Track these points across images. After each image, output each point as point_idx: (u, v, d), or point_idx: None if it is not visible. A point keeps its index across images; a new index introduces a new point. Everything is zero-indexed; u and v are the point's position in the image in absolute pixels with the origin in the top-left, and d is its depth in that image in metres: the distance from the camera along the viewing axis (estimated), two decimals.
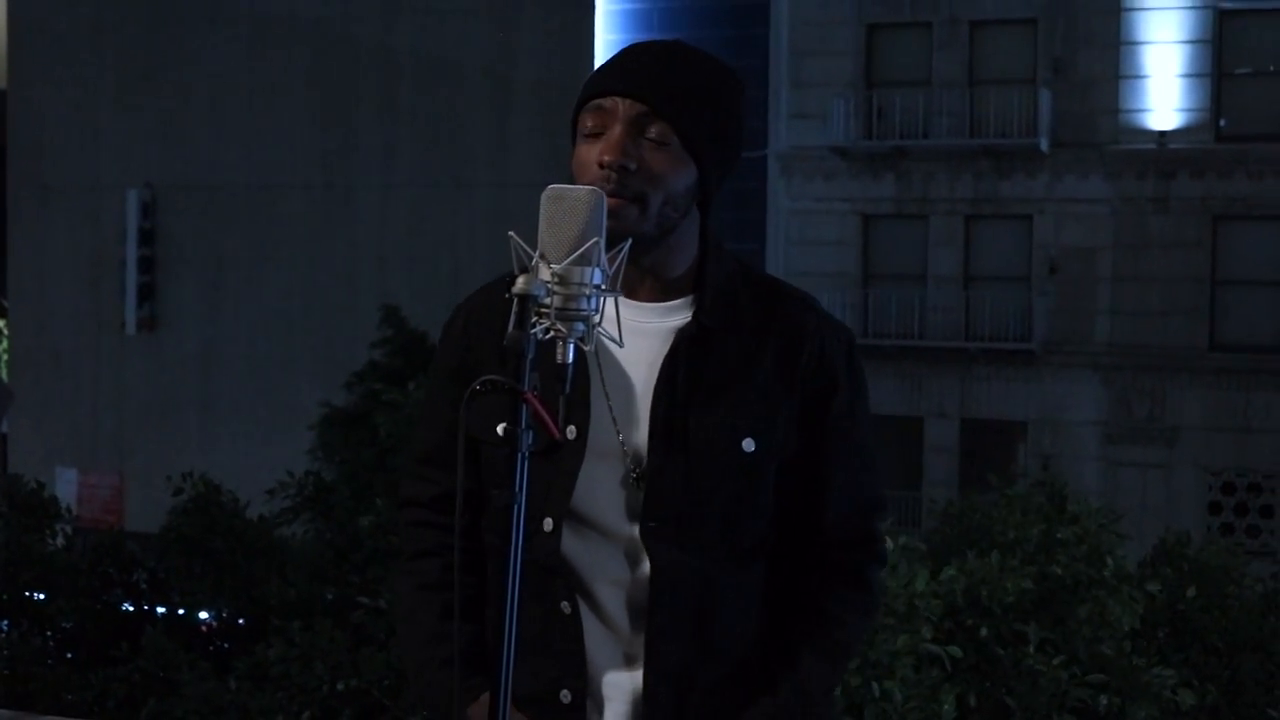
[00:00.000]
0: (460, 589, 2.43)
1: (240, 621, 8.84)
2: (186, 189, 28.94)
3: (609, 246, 2.16)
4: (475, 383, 2.07)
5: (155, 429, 28.93)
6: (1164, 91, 23.83)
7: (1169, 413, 23.86)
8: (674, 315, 2.42)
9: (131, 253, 29.22)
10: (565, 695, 2.42)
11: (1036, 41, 24.49)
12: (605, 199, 2.14)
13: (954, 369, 24.78)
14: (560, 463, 2.39)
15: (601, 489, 2.40)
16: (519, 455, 2.05)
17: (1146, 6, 23.91)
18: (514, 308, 2.05)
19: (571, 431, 2.37)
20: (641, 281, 2.42)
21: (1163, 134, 23.81)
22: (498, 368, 2.21)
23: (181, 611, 8.93)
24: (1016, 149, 24.29)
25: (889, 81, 25.34)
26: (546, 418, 2.08)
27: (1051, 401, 24.37)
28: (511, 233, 2.12)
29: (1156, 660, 7.57)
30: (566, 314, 2.08)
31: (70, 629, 8.71)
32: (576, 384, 2.31)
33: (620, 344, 2.26)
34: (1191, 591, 8.61)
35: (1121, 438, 24.02)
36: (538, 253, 2.10)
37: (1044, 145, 24.05)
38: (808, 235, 25.38)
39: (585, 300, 2.08)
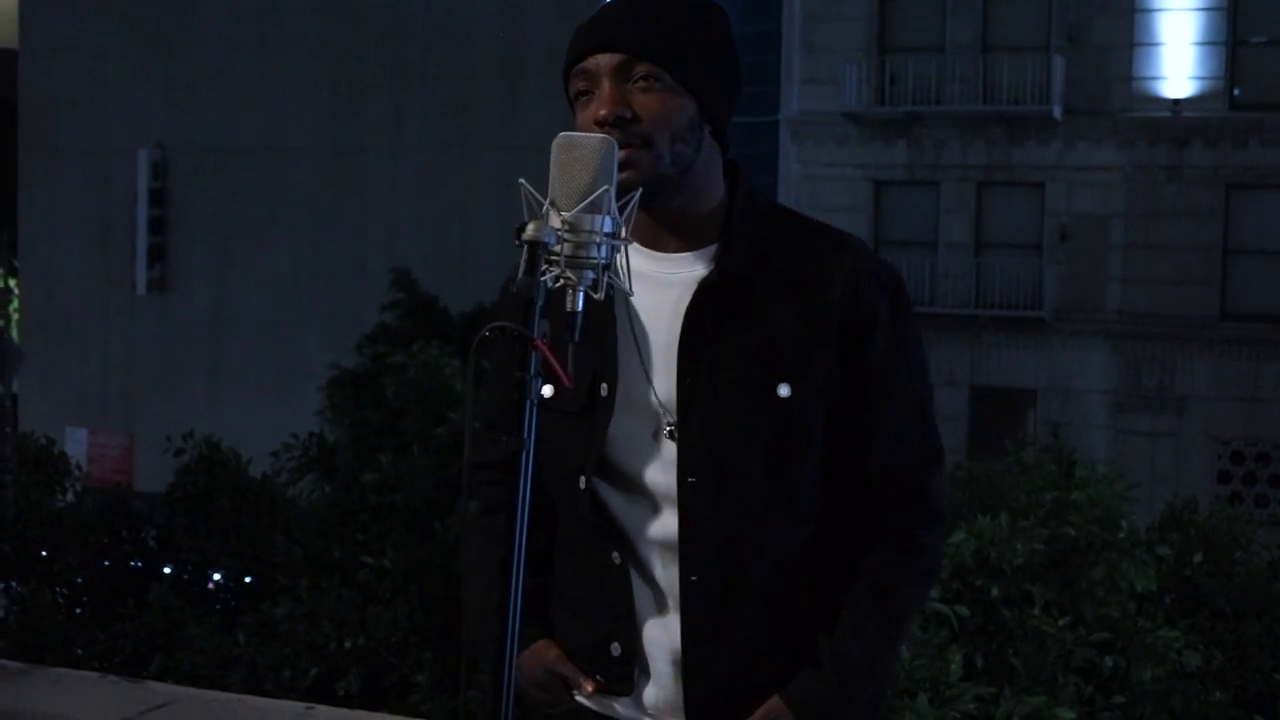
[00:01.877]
0: (526, 542, 2.47)
1: (247, 580, 8.86)
2: (197, 151, 28.93)
3: (622, 196, 2.14)
4: (484, 328, 2.03)
5: (165, 390, 28.98)
6: (1178, 59, 23.73)
7: (1179, 382, 23.83)
8: (700, 264, 2.38)
9: (142, 214, 29.24)
10: (615, 648, 2.42)
11: (1050, 8, 24.39)
12: (616, 147, 2.11)
13: (964, 336, 24.75)
14: (595, 420, 2.38)
15: (637, 444, 2.38)
16: (528, 402, 2.02)
17: None
18: (524, 254, 2.03)
19: (604, 389, 2.37)
20: (667, 232, 2.38)
21: (1176, 102, 23.72)
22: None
23: (189, 569, 8.94)
24: (1029, 116, 24.22)
25: (902, 47, 25.25)
26: (556, 365, 2.04)
27: (1061, 369, 24.35)
28: (522, 180, 2.10)
29: (1163, 624, 7.58)
30: (577, 261, 2.05)
31: (79, 585, 8.73)
32: (596, 335, 2.32)
33: (631, 292, 2.22)
34: (1199, 557, 8.60)
35: (1131, 406, 24.00)
36: (548, 200, 2.08)
37: (1057, 112, 23.97)
38: (819, 201, 25.32)
39: (595, 248, 2.06)
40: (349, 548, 8.42)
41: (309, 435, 10.54)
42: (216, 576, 9.00)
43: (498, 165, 26.61)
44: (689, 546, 2.35)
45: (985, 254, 24.80)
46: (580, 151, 2.09)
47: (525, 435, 2.02)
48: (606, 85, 2.29)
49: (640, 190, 2.19)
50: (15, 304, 33.87)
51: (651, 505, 2.39)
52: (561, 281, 2.06)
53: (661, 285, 2.37)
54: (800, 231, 2.43)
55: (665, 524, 2.37)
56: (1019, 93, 24.32)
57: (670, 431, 2.35)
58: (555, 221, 2.06)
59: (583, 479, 2.39)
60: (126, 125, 29.12)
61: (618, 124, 2.25)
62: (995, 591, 6.83)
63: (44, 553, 8.75)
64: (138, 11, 29.01)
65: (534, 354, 2.02)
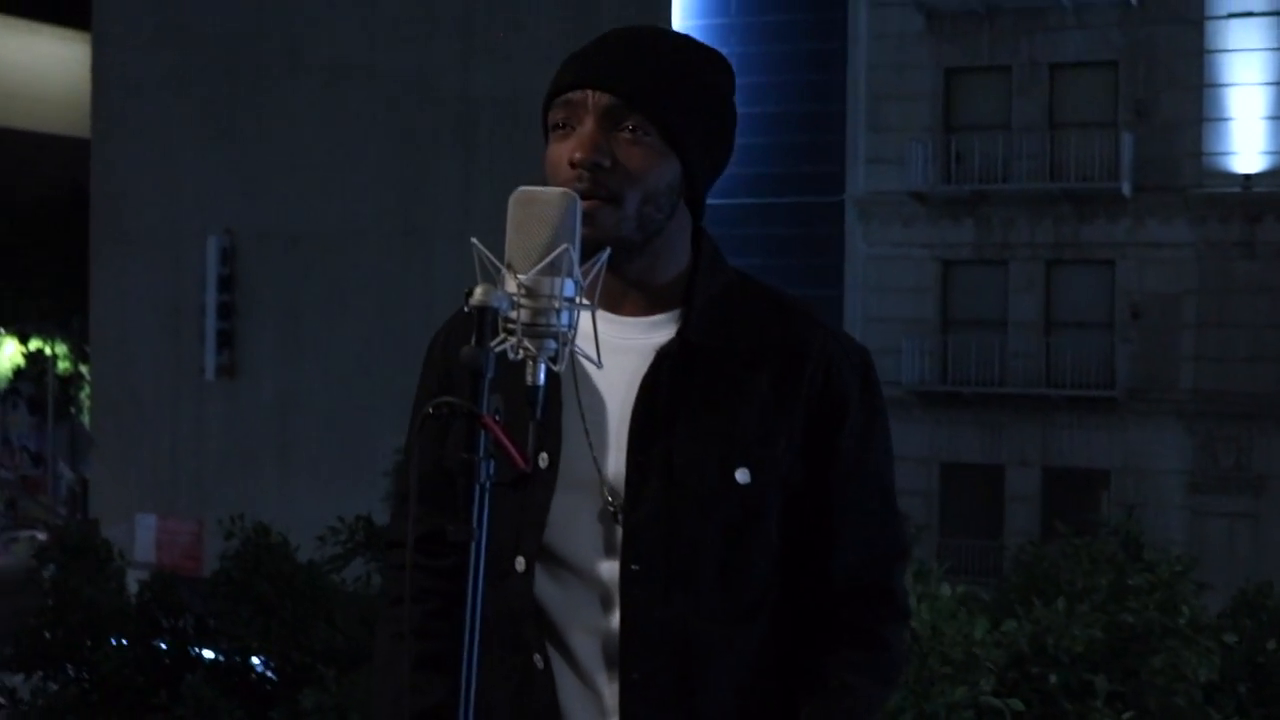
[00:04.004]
0: (437, 638, 2.24)
1: (286, 669, 8.70)
2: (266, 236, 29.12)
3: (585, 255, 1.96)
4: (428, 405, 1.84)
5: (234, 475, 29.03)
6: (1248, 134, 23.44)
7: (1256, 461, 23.35)
8: (659, 331, 2.17)
9: (211, 299, 29.43)
10: None
11: (1118, 84, 24.18)
12: (579, 202, 1.92)
13: (1035, 416, 24.41)
14: (531, 495, 2.15)
15: (578, 525, 2.15)
16: (476, 486, 1.82)
17: (1229, 49, 23.57)
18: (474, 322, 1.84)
19: (544, 459, 2.14)
20: (625, 294, 2.18)
21: (1247, 177, 23.40)
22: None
23: (226, 657, 8.80)
24: (1098, 193, 23.96)
25: (967, 125, 25.10)
26: (508, 445, 1.85)
27: (1135, 449, 23.93)
28: (474, 240, 1.92)
29: (1235, 715, 7.29)
30: (536, 330, 1.88)
31: (111, 674, 8.61)
32: (549, 408, 2.09)
33: (599, 364, 2.03)
34: (1273, 644, 8.31)
35: (1207, 487, 23.53)
36: (505, 262, 1.90)
37: (1126, 189, 23.70)
38: (886, 281, 25.14)
39: (556, 314, 1.87)
40: None
41: (355, 518, 10.35)
42: (256, 663, 8.85)
43: None
44: (631, 642, 2.12)
45: (1055, 333, 24.49)
46: (539, 207, 1.91)
47: (475, 524, 1.82)
48: (590, 124, 2.09)
49: (609, 250, 2.02)
50: (86, 390, 34.13)
51: (590, 595, 2.15)
52: (521, 352, 1.87)
53: (615, 350, 2.14)
54: (767, 303, 2.22)
55: (605, 617, 2.14)
56: (1087, 170, 24.07)
57: (615, 513, 2.12)
58: (511, 285, 1.88)
59: (520, 560, 2.16)
60: (196, 211, 29.38)
61: (592, 170, 2.06)
62: (1054, 679, 6.56)
63: (88, 641, 8.65)
64: (207, 99, 29.32)
65: (483, 433, 1.82)
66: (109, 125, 30.34)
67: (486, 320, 1.85)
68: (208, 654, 8.76)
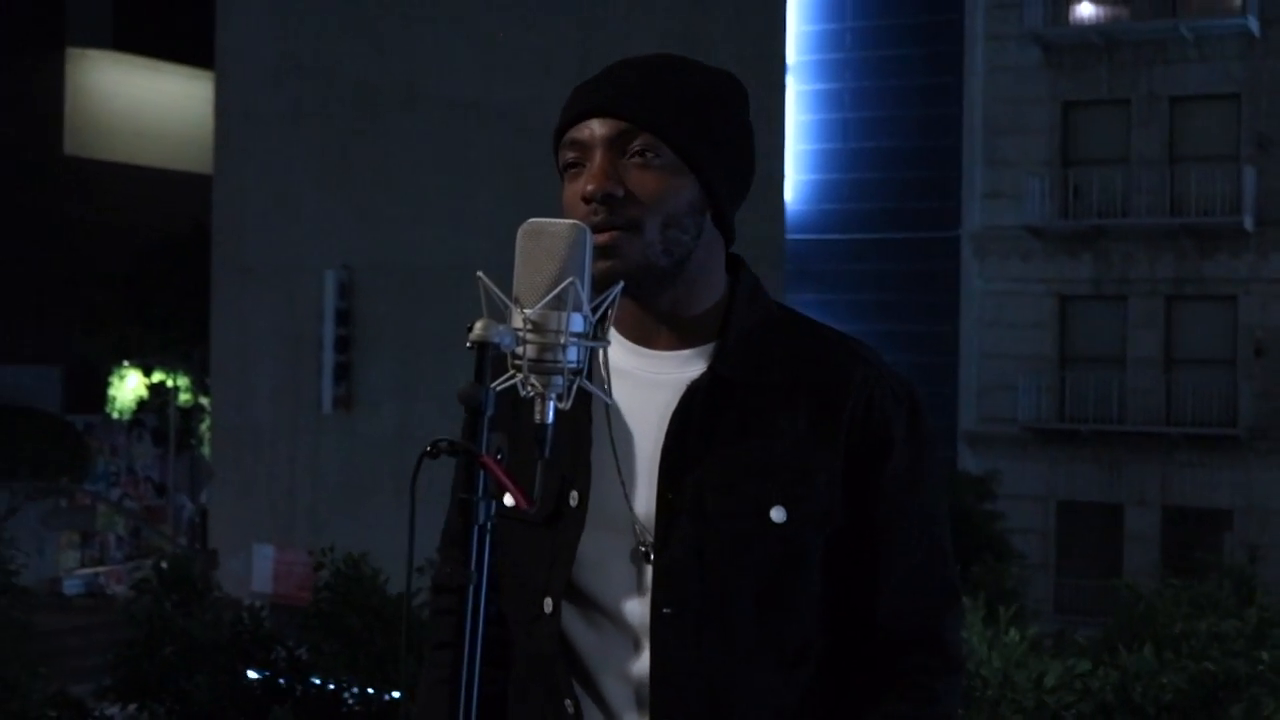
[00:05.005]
0: (480, 684, 2.23)
1: (372, 703, 8.69)
2: (383, 270, 29.39)
3: (604, 288, 1.91)
4: (428, 444, 1.80)
5: (350, 507, 29.25)
6: None
7: None
8: (692, 365, 2.09)
9: (328, 332, 29.72)
10: None
11: (1240, 116, 23.80)
12: (589, 234, 1.87)
13: (1155, 454, 24.02)
14: (563, 534, 2.09)
15: (609, 565, 2.08)
16: (476, 528, 1.78)
17: None
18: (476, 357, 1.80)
19: (574, 498, 2.08)
20: (658, 328, 2.10)
21: None
22: (517, 432, 1.99)
23: (317, 689, 8.81)
24: (1220, 228, 23.58)
25: (1086, 159, 24.82)
26: (510, 484, 1.79)
27: (1259, 489, 23.47)
28: (480, 273, 1.87)
29: None
30: (543, 366, 1.82)
31: (203, 706, 8.66)
32: (569, 435, 2.06)
33: (610, 400, 1.97)
34: None
35: None
36: (512, 296, 1.85)
37: (1249, 223, 23.30)
38: (1003, 317, 24.89)
39: (563, 350, 1.82)
40: None
41: None
42: (349, 697, 8.86)
43: None
44: (662, 690, 2.03)
45: (1175, 370, 24.10)
46: (547, 240, 1.86)
47: (473, 567, 1.77)
48: (599, 157, 2.02)
49: (621, 284, 1.95)
50: (206, 421, 34.59)
51: (622, 639, 2.07)
52: (529, 390, 1.82)
53: (648, 386, 2.09)
54: (808, 337, 2.13)
55: (637, 662, 2.06)
56: (1208, 204, 23.71)
57: (646, 554, 2.05)
58: (518, 320, 1.83)
59: (548, 601, 2.09)
60: (314, 245, 29.71)
61: (606, 202, 1.99)
62: None
63: (181, 672, 8.73)
64: (326, 135, 29.68)
65: (483, 473, 1.77)
66: (230, 161, 30.78)
67: (486, 356, 1.80)
68: (297, 687, 8.79)
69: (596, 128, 2.04)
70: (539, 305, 1.83)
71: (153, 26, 40.24)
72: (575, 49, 27.70)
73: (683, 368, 2.09)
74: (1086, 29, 24.70)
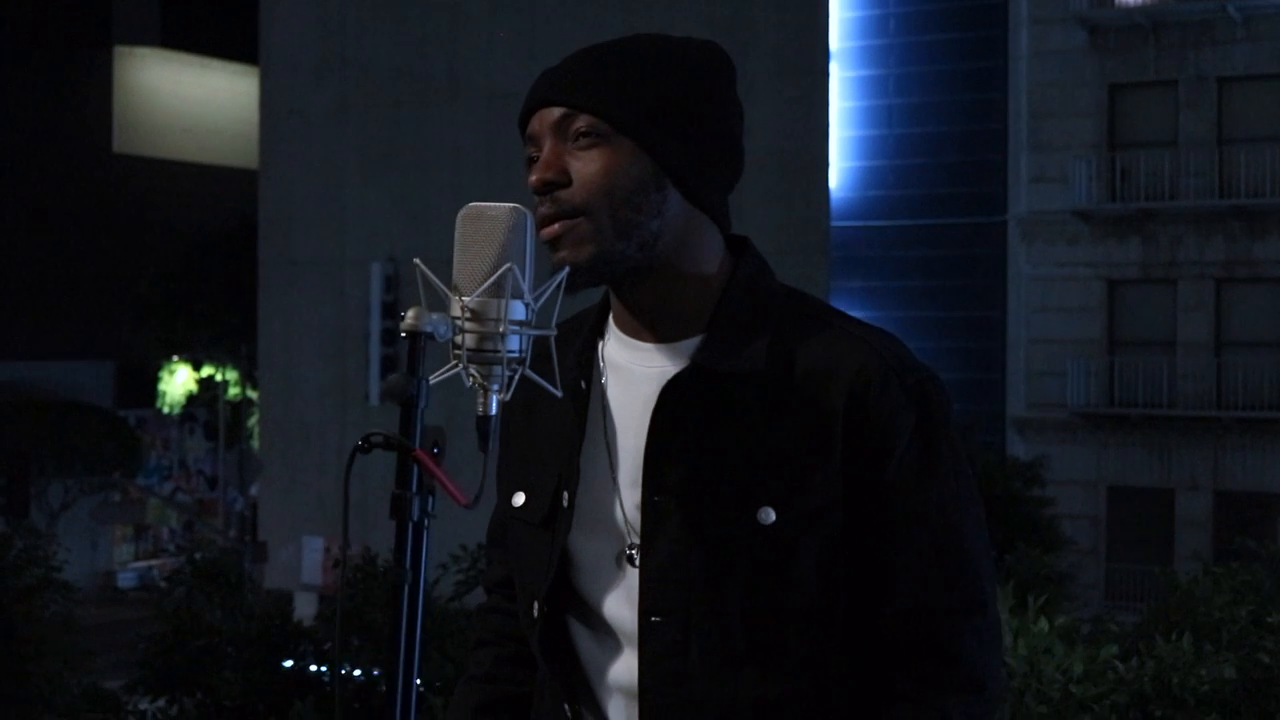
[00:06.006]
0: (507, 683, 2.17)
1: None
2: (428, 262, 29.38)
3: (577, 282, 1.86)
4: (361, 437, 1.72)
5: None
6: None
7: None
8: (678, 356, 1.96)
9: (375, 326, 29.79)
10: None
11: None
12: (530, 217, 1.80)
13: (1206, 439, 23.81)
14: (555, 537, 2.00)
15: (600, 569, 1.99)
16: (410, 525, 1.71)
17: None
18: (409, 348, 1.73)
19: (566, 498, 2.00)
20: (644, 319, 1.99)
21: None
22: (532, 433, 1.98)
23: (348, 674, 8.79)
24: (1270, 209, 23.34)
25: (1133, 142, 24.60)
26: (445, 481, 1.72)
27: None
28: (417, 260, 1.79)
29: None
30: (483, 356, 1.75)
31: (230, 699, 8.66)
32: (563, 434, 2.00)
33: (558, 393, 1.84)
34: None
35: None
36: (451, 284, 1.78)
37: None
38: (1050, 302, 24.71)
39: (503, 339, 1.74)
40: None
41: (478, 546, 10.13)
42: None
43: None
44: (651, 698, 1.92)
45: (1226, 353, 23.87)
46: (486, 224, 1.79)
47: (406, 566, 1.70)
48: (547, 148, 1.95)
49: (566, 270, 1.86)
50: (255, 415, 34.78)
51: (614, 643, 1.99)
52: (470, 380, 1.76)
53: (637, 380, 1.98)
54: (810, 324, 1.96)
55: (628, 668, 1.96)
56: (1258, 185, 23.46)
57: (631, 557, 1.95)
58: (456, 309, 1.75)
59: (536, 606, 2.01)
60: (359, 238, 29.80)
61: (548, 191, 1.93)
62: None
63: (209, 666, 8.77)
64: (371, 128, 29.75)
65: (415, 468, 1.71)
66: (276, 156, 30.90)
67: (418, 346, 1.74)
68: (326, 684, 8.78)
69: (543, 118, 1.96)
70: (477, 293, 1.75)
71: (199, 24, 40.49)
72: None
73: (666, 360, 1.98)
74: (1132, 10, 24.47)
